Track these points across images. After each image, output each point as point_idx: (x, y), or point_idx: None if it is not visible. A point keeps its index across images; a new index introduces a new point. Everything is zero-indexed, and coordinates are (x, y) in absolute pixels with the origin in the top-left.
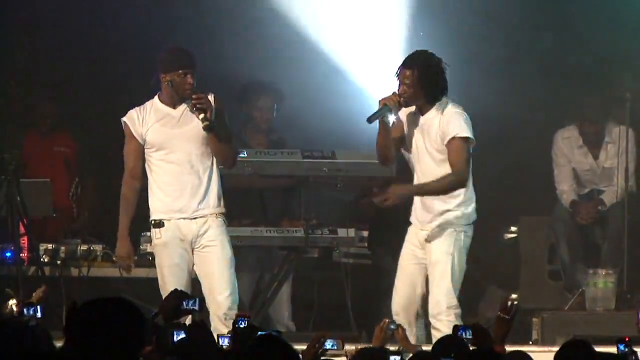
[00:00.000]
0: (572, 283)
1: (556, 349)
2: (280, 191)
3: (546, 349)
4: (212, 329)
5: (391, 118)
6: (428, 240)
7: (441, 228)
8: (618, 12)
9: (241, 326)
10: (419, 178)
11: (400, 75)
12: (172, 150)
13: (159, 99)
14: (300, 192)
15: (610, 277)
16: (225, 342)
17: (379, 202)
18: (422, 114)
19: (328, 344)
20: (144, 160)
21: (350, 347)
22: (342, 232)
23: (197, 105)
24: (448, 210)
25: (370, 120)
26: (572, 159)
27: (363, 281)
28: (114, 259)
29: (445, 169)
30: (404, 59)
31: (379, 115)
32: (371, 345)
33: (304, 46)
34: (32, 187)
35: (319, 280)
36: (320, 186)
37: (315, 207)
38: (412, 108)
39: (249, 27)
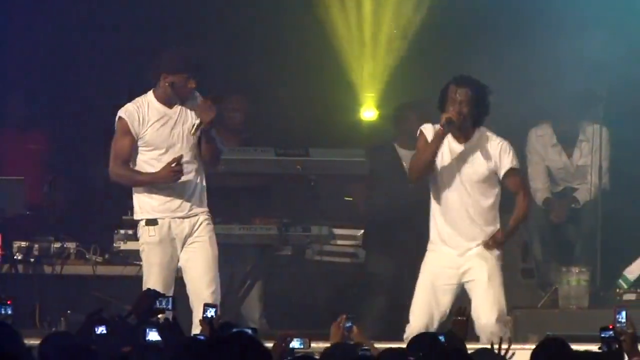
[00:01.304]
0: (546, 281)
1: (529, 346)
2: (253, 189)
3: (519, 346)
4: (193, 326)
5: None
6: (474, 259)
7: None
8: (593, 12)
9: (209, 316)
10: (453, 205)
11: (454, 93)
12: (168, 151)
13: (155, 96)
14: (273, 190)
15: (584, 274)
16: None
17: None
18: (461, 142)
19: (295, 343)
20: (135, 154)
21: (317, 345)
22: (315, 230)
23: (201, 114)
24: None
25: (446, 130)
26: (546, 157)
27: (338, 278)
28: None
29: (483, 195)
30: (454, 78)
31: (449, 128)
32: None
33: (277, 44)
34: (5, 185)
35: (292, 278)
36: (293, 184)
37: (288, 205)
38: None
39: (222, 28)
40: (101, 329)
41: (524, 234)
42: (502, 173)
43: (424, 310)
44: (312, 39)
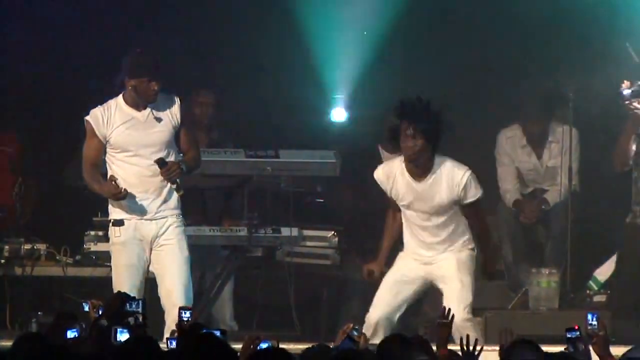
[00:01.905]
0: (516, 282)
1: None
2: (222, 190)
3: (490, 348)
4: (165, 328)
5: None
6: (445, 257)
7: (461, 248)
8: (562, 13)
9: (184, 319)
10: (422, 232)
11: (407, 129)
12: (136, 153)
13: (124, 100)
14: (243, 192)
15: (554, 276)
16: (173, 344)
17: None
18: (421, 179)
19: (263, 345)
20: (104, 156)
21: (287, 346)
22: (285, 231)
23: (168, 180)
24: (463, 242)
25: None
26: (516, 158)
27: (308, 280)
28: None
29: (450, 220)
30: (400, 110)
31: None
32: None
33: (248, 45)
34: None
35: (262, 280)
36: (263, 185)
37: (258, 206)
38: (398, 171)
39: (191, 28)
40: (73, 333)
41: (494, 236)
42: (464, 203)
43: (384, 301)
44: (282, 39)
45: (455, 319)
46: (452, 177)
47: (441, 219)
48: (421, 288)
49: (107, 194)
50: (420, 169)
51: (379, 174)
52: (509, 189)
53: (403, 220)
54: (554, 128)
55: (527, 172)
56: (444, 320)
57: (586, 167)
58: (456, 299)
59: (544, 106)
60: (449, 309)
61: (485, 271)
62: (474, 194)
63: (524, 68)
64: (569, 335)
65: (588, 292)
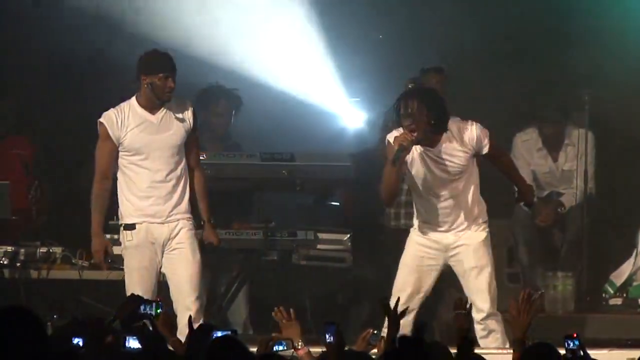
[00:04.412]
0: (531, 285)
1: None
2: (239, 194)
3: (505, 351)
4: (177, 332)
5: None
6: (463, 243)
7: (477, 229)
8: (580, 19)
9: (152, 313)
10: (438, 204)
11: (405, 109)
12: (148, 156)
13: (137, 102)
14: (259, 195)
15: (569, 279)
16: None
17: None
18: (433, 146)
19: (279, 346)
20: (116, 160)
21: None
22: (301, 235)
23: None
24: (479, 212)
25: (395, 163)
26: (531, 161)
27: (325, 283)
28: (94, 257)
29: (468, 183)
30: (402, 95)
31: (402, 156)
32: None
33: (265, 47)
34: None
35: (278, 283)
36: (279, 188)
37: (274, 210)
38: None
39: (208, 32)
40: (77, 340)
41: (510, 239)
42: (483, 154)
43: (406, 290)
44: (299, 42)
45: (484, 313)
46: (462, 135)
47: (459, 186)
48: (439, 274)
49: (94, 245)
50: (428, 140)
51: (392, 137)
52: None
53: (416, 196)
54: (569, 131)
55: (542, 175)
56: (462, 311)
57: (602, 170)
58: (486, 291)
59: (559, 109)
60: (466, 300)
61: (524, 200)
62: (487, 141)
63: (540, 71)
64: (567, 347)
65: (604, 295)
